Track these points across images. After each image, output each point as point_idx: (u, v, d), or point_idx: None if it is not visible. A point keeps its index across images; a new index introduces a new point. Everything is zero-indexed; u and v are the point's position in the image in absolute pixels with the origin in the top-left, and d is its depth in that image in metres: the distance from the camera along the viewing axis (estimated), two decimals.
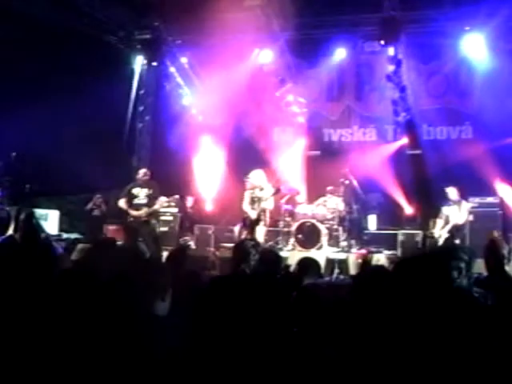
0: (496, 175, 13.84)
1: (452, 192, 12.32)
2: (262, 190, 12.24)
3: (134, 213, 12.03)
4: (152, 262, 4.96)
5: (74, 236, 13.99)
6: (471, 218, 12.39)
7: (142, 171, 12.45)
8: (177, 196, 14.76)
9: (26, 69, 13.15)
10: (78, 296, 3.53)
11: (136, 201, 12.11)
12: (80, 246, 10.83)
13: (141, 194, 12.12)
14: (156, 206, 12.29)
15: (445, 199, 12.47)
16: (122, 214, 12.49)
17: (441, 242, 12.10)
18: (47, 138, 13.04)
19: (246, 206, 12.19)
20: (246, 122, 15.99)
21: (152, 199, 12.13)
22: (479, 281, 5.10)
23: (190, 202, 15.46)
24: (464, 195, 12.63)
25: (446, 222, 12.38)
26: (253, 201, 12.26)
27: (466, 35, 14.43)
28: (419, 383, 2.75)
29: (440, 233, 12.41)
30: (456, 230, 12.30)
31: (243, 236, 12.50)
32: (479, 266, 5.40)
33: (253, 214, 12.12)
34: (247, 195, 12.24)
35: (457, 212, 12.32)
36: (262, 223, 12.21)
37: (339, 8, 14.22)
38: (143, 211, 12.03)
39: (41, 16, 12.83)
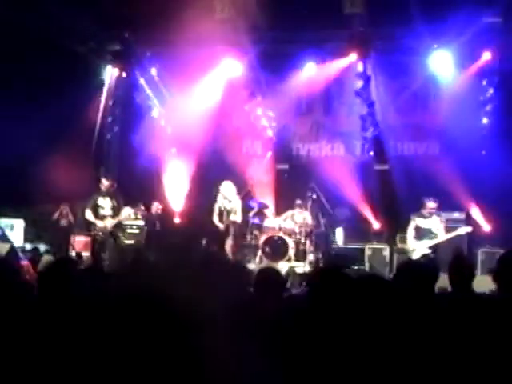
0: (461, 191, 13.99)
1: (432, 205, 11.39)
2: (230, 202, 12.23)
3: (100, 224, 11.97)
4: None
5: (38, 246, 13.78)
6: (452, 235, 11.63)
7: (107, 182, 12.36)
8: (142, 207, 14.67)
9: None
10: None
11: (101, 212, 12.09)
12: (45, 257, 10.71)
13: (106, 204, 12.10)
14: (121, 217, 12.24)
15: (418, 211, 11.56)
16: (89, 225, 12.45)
17: (416, 255, 11.22)
18: (13, 147, 12.87)
19: (215, 218, 12.17)
20: (214, 135, 15.95)
21: (117, 210, 12.11)
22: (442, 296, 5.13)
23: (155, 206, 15.19)
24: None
25: (419, 234, 11.45)
26: (221, 213, 12.25)
27: (434, 52, 14.63)
28: None
29: (415, 246, 11.43)
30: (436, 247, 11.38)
31: (211, 249, 12.49)
32: (444, 281, 5.43)
33: (221, 227, 12.10)
34: (216, 207, 12.22)
35: (439, 227, 11.46)
36: (229, 236, 12.21)
37: (309, 23, 14.26)
38: (108, 222, 11.98)
39: (9, 25, 12.65)
